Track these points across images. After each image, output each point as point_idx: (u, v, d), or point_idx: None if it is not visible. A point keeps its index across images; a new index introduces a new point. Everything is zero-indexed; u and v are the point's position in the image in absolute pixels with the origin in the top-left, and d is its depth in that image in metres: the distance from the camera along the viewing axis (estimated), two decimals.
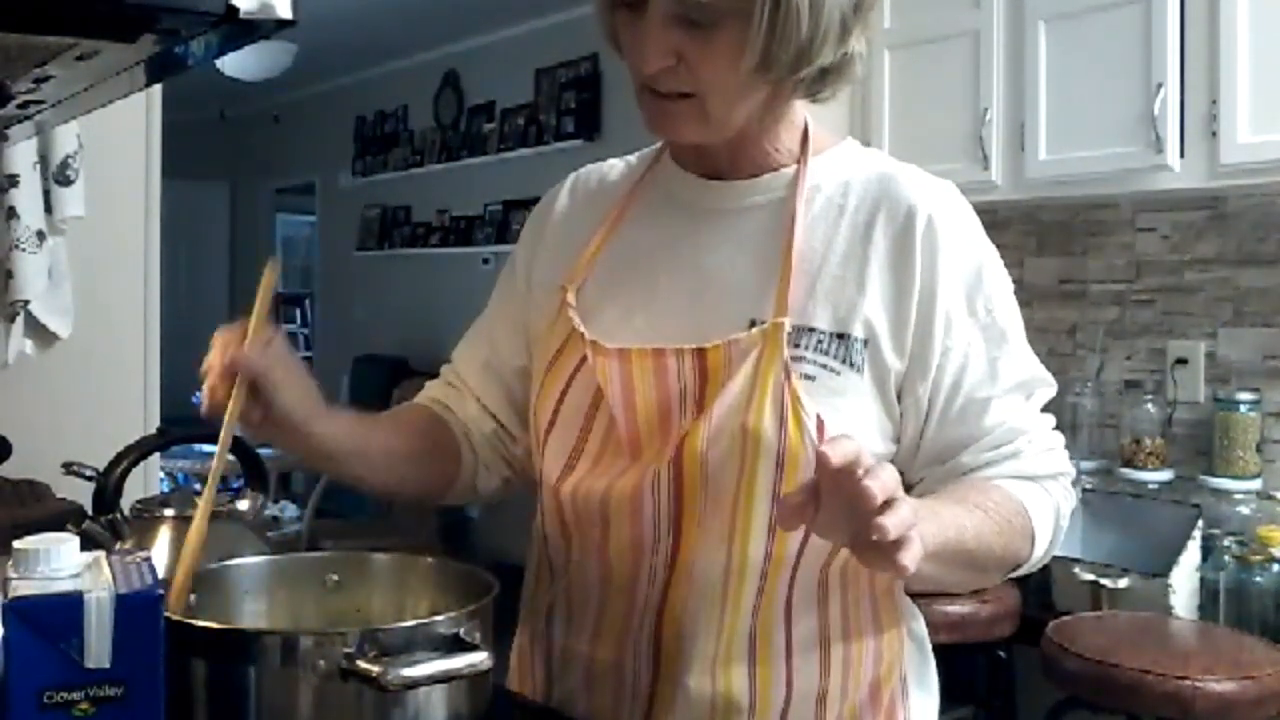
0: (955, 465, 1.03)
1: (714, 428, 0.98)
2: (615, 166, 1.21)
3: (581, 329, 1.07)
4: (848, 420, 0.98)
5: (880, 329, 1.00)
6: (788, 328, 0.99)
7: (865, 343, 1.00)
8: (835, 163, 1.08)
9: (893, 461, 1.02)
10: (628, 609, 1.04)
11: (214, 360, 0.97)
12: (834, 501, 0.80)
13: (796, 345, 0.99)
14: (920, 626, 1.14)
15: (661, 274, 1.08)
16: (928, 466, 1.04)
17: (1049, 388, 1.07)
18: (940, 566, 0.91)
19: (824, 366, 0.99)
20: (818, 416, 0.97)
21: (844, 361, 0.99)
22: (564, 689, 1.10)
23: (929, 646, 1.14)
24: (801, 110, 1.09)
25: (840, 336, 1.00)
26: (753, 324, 1.00)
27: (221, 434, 0.99)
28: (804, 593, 1.01)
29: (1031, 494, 1.02)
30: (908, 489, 1.01)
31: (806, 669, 1.02)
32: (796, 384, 0.97)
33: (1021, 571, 1.05)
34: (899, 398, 1.02)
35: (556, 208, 1.20)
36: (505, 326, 1.21)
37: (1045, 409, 1.07)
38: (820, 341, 1.00)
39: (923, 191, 1.04)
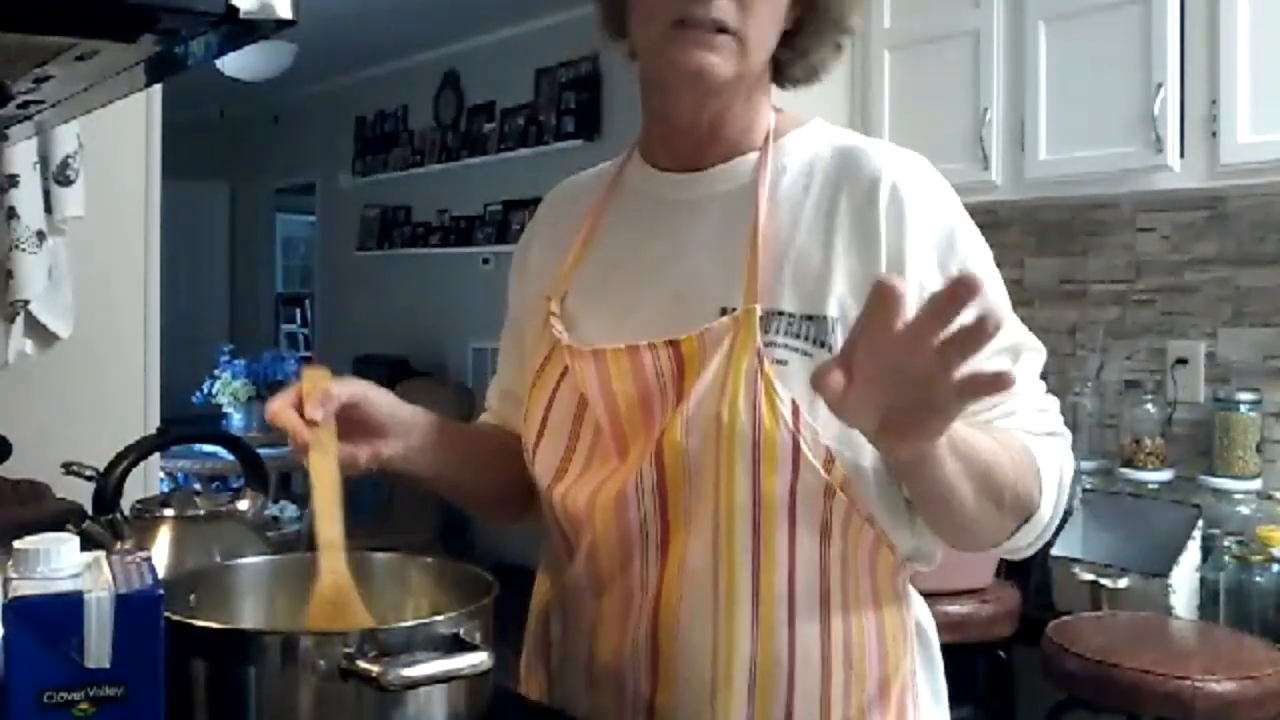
0: None
1: (690, 418, 0.98)
2: (589, 175, 1.22)
3: (561, 336, 1.07)
4: (823, 401, 0.97)
5: (851, 305, 0.98)
6: (759, 313, 0.99)
7: (838, 321, 0.99)
8: (800, 143, 1.07)
9: None
10: (622, 610, 1.04)
11: (285, 421, 0.97)
12: (875, 364, 0.76)
13: (767, 330, 0.99)
14: (928, 623, 1.12)
15: (638, 274, 1.09)
16: None
17: (1038, 353, 1.04)
18: (961, 467, 0.89)
19: (795, 350, 0.98)
20: (792, 401, 0.96)
21: (816, 343, 0.98)
22: (566, 690, 1.10)
23: (936, 646, 1.12)
24: (769, 94, 1.10)
25: (810, 318, 0.99)
26: (724, 312, 1.00)
27: (316, 471, 0.98)
28: (803, 583, 1.00)
29: (1034, 442, 1.00)
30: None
31: (807, 665, 1.01)
32: (769, 369, 0.97)
33: (1031, 536, 1.00)
34: None
35: (537, 228, 1.22)
36: (512, 364, 1.22)
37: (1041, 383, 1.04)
38: (790, 324, 0.99)
39: (886, 161, 1.03)
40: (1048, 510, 0.99)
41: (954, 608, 2.34)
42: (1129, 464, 2.75)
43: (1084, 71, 2.60)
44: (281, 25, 0.76)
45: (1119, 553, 2.55)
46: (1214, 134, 2.37)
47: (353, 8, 5.64)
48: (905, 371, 0.76)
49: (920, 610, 1.11)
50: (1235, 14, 2.33)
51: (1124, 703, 2.09)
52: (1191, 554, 2.43)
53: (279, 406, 0.98)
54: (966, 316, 0.72)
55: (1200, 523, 2.47)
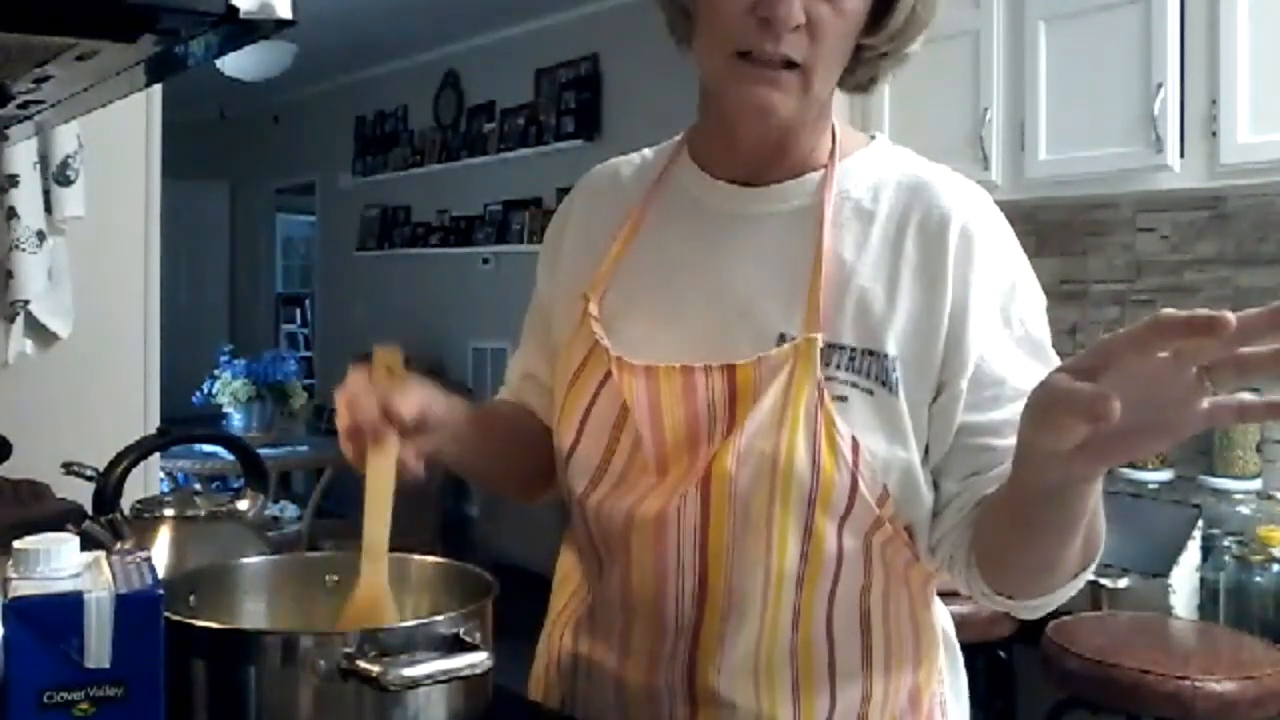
0: (1003, 448, 0.91)
1: (743, 449, 0.95)
2: (630, 163, 1.16)
3: (606, 343, 1.03)
4: (885, 441, 0.95)
5: (911, 344, 0.96)
6: (820, 344, 0.95)
7: (898, 360, 0.95)
8: (864, 166, 1.04)
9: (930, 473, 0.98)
10: (658, 632, 1.01)
11: (358, 412, 0.95)
12: (1126, 385, 0.68)
13: (827, 363, 0.95)
14: (951, 628, 1.11)
15: (686, 285, 1.04)
16: (964, 470, 0.97)
17: None
18: (1098, 511, 0.84)
19: (855, 385, 0.95)
20: (853, 438, 0.94)
21: (877, 380, 0.95)
22: (592, 704, 1.07)
23: (959, 650, 1.11)
24: (832, 110, 1.06)
25: (871, 354, 0.96)
26: (782, 338, 0.97)
27: (377, 485, 0.94)
28: (845, 605, 0.99)
29: None
30: (946, 501, 0.97)
31: (848, 683, 1.00)
32: (830, 406, 0.94)
33: (1075, 589, 0.96)
34: (930, 411, 0.97)
35: (572, 214, 1.16)
36: (536, 347, 1.18)
37: None
38: (852, 359, 0.96)
39: (957, 199, 0.99)
40: (1095, 563, 0.93)
41: (954, 608, 2.30)
42: (1129, 464, 2.75)
43: (1084, 71, 2.60)
44: (281, 25, 0.76)
45: (1119, 553, 2.55)
46: (1214, 134, 2.37)
47: (353, 8, 5.64)
48: (1161, 393, 0.70)
49: (944, 615, 1.11)
50: (1235, 14, 2.34)
51: (1124, 703, 2.09)
52: (1191, 554, 2.43)
53: (355, 399, 0.95)
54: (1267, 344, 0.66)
55: (1200, 523, 2.47)
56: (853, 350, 0.96)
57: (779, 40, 0.93)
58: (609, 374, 1.02)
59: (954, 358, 0.96)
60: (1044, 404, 0.74)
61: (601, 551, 1.05)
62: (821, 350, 0.95)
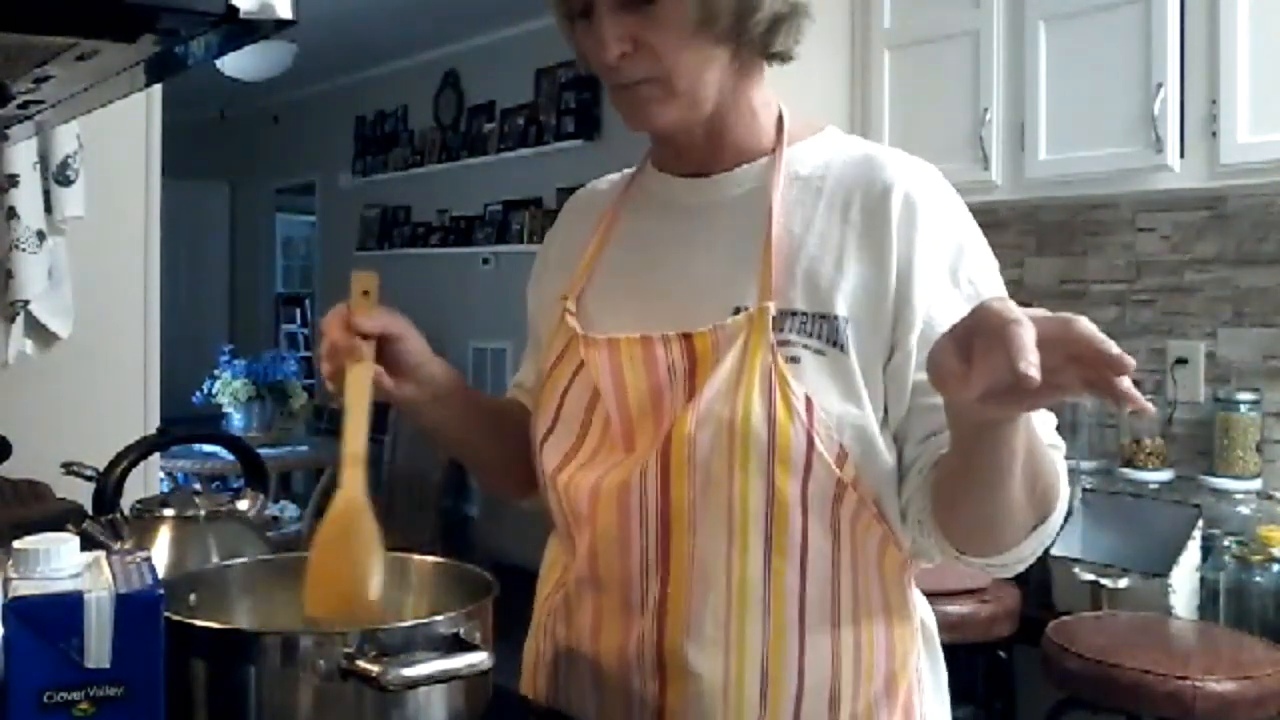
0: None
1: (701, 414, 0.99)
2: (606, 180, 1.25)
3: (576, 327, 1.09)
4: (838, 399, 0.98)
5: (861, 305, 1.00)
6: (773, 312, 1.00)
7: (848, 321, 1.00)
8: (814, 149, 1.09)
9: (891, 437, 1.01)
10: (624, 608, 1.04)
11: (332, 331, 1.03)
12: (987, 352, 0.76)
13: (780, 329, 1.00)
14: (931, 622, 1.13)
15: (653, 275, 1.10)
16: (922, 432, 1.01)
17: None
18: (1027, 436, 0.88)
19: (807, 348, 0.99)
20: (806, 397, 0.97)
21: (828, 341, 0.99)
22: (573, 691, 1.09)
23: (939, 644, 1.13)
24: (775, 98, 1.11)
25: (822, 317, 1.00)
26: (737, 311, 1.01)
27: (352, 396, 1.01)
28: (815, 579, 1.00)
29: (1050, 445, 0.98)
30: (909, 465, 1.01)
31: (817, 661, 1.01)
32: (783, 366, 0.98)
33: (1037, 542, 0.98)
34: (886, 373, 1.00)
35: (555, 234, 1.25)
36: (528, 362, 1.26)
37: None
38: (804, 323, 1.00)
39: (900, 169, 1.04)
40: (1059, 515, 0.97)
41: (954, 608, 2.33)
42: (1129, 464, 2.75)
43: (1084, 71, 2.60)
44: (281, 25, 0.76)
45: (1119, 553, 2.55)
46: (1214, 134, 2.37)
47: (353, 8, 5.64)
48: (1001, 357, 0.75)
49: (923, 607, 1.12)
50: (1235, 14, 2.33)
51: (1124, 703, 2.09)
52: (1191, 554, 2.43)
53: (331, 319, 1.03)
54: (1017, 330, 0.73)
55: (1200, 523, 2.47)
56: (804, 314, 1.01)
57: (618, 72, 1.03)
58: (583, 363, 1.07)
59: (903, 316, 1.00)
60: (929, 367, 0.83)
61: (573, 526, 1.08)
62: (775, 317, 1.00)
